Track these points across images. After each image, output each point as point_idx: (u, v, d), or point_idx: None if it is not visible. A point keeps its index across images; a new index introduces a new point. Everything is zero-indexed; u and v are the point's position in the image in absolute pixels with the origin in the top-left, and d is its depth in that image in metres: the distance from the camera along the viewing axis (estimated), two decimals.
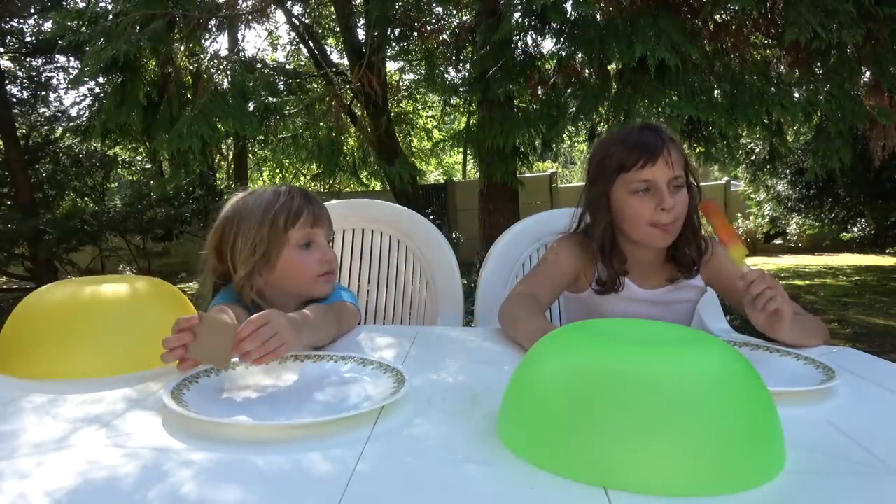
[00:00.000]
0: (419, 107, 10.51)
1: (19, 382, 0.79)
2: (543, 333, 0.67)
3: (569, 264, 1.19)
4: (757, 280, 0.93)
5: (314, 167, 8.93)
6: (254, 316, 0.80)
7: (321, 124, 5.11)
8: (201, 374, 0.75)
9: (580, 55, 3.76)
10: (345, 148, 5.87)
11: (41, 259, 7.55)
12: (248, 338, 0.77)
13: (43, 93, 8.97)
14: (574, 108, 3.60)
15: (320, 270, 1.10)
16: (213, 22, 4.59)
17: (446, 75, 5.49)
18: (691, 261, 1.16)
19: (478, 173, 4.89)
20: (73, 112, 8.98)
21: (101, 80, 5.30)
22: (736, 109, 3.29)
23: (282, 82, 6.54)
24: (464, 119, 6.37)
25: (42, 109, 9.21)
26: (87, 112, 6.92)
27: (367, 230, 1.72)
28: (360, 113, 6.37)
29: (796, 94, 3.60)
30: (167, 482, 0.50)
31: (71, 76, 8.63)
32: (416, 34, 4.89)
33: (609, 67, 3.70)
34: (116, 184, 10.25)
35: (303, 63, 9.56)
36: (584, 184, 1.24)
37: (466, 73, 4.60)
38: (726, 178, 11.32)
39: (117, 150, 9.32)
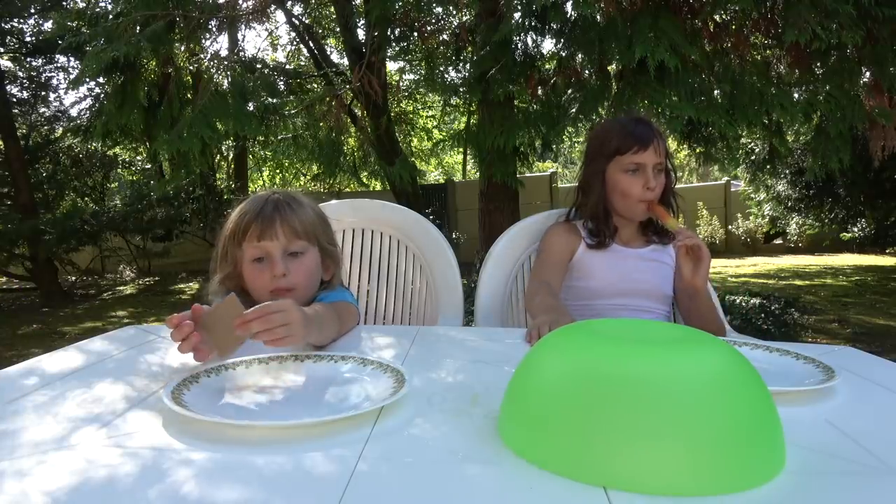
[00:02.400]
0: (419, 107, 10.52)
1: None
2: (550, 307, 0.98)
3: (562, 245, 1.42)
4: (684, 230, 1.22)
5: (314, 167, 8.94)
6: (272, 302, 0.81)
7: (321, 125, 5.12)
8: (202, 374, 0.75)
9: (580, 56, 3.76)
10: (345, 148, 5.87)
11: (41, 259, 7.55)
12: (258, 319, 0.78)
13: (43, 93, 8.97)
14: (574, 109, 3.60)
15: (272, 286, 1.08)
16: (213, 22, 4.59)
17: (446, 75, 5.49)
18: (659, 229, 1.43)
19: (478, 173, 4.89)
20: (74, 112, 8.99)
21: (101, 80, 5.30)
22: (736, 110, 3.28)
23: (282, 82, 6.55)
24: (464, 119, 6.37)
25: (42, 109, 9.22)
26: (88, 113, 6.93)
27: (367, 230, 1.72)
28: (360, 113, 6.37)
29: (796, 95, 3.59)
30: (167, 482, 0.50)
31: (71, 76, 8.63)
32: (416, 34, 4.89)
33: (609, 68, 3.69)
34: (116, 184, 10.25)
35: (303, 63, 9.56)
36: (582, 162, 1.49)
37: (466, 74, 4.60)
38: (726, 178, 11.32)
39: (117, 150, 9.33)
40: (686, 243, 1.18)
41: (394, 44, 4.88)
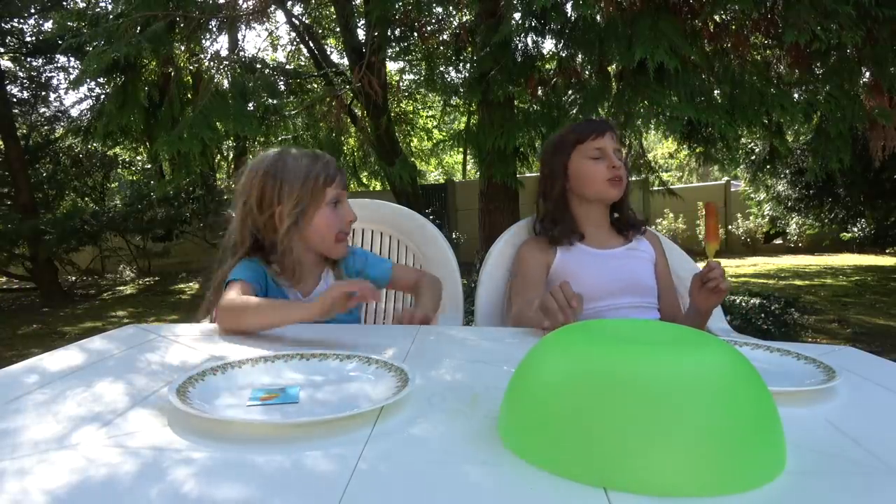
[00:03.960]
0: (419, 107, 10.52)
1: None
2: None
3: (536, 259, 1.43)
4: (717, 268, 1.21)
5: None
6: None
7: (321, 125, 5.11)
8: (207, 371, 0.75)
9: (580, 56, 3.76)
10: (345, 148, 5.87)
11: (41, 259, 7.55)
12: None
13: (43, 93, 8.97)
14: (575, 110, 3.60)
15: (343, 228, 1.26)
16: (213, 22, 4.59)
17: (446, 76, 5.49)
18: (631, 221, 1.47)
19: (478, 173, 4.89)
20: (74, 112, 8.99)
21: (101, 80, 5.30)
22: (736, 110, 3.28)
23: (282, 83, 6.54)
24: (464, 119, 6.37)
25: (42, 109, 9.22)
26: (88, 113, 6.93)
27: (367, 230, 1.72)
28: (360, 113, 6.37)
29: (796, 95, 3.59)
30: (167, 480, 0.50)
31: (71, 76, 8.64)
32: (416, 34, 4.89)
33: (609, 69, 3.69)
34: (116, 184, 10.26)
35: (303, 63, 9.57)
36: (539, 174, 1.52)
37: (466, 74, 4.59)
38: (726, 178, 11.32)
39: (117, 150, 9.33)
40: (710, 287, 1.19)
41: (394, 44, 4.88)
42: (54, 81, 8.99)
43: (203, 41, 4.88)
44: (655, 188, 5.37)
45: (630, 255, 1.44)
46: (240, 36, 6.82)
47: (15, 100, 8.39)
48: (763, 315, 3.76)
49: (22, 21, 8.28)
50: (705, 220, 1.30)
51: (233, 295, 1.10)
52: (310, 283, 1.30)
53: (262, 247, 1.25)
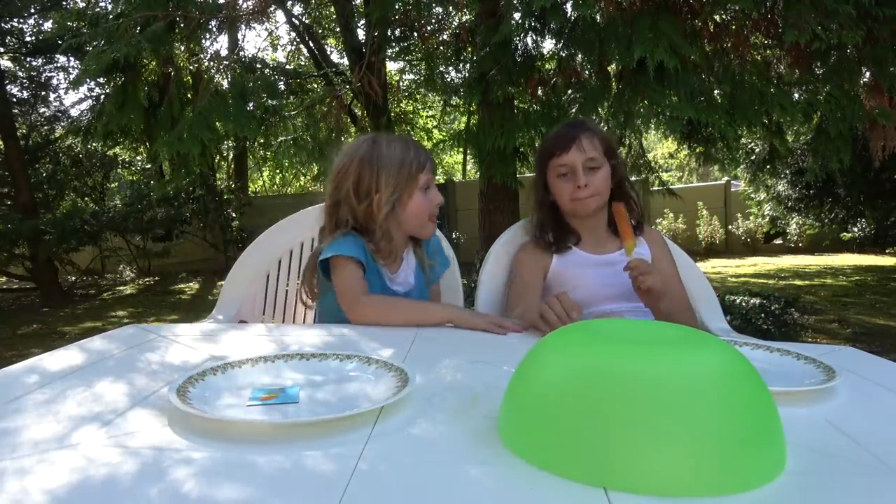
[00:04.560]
0: (419, 107, 10.52)
1: None
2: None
3: (533, 265, 1.42)
4: (637, 266, 1.23)
5: (315, 167, 8.94)
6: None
7: (321, 125, 5.11)
8: (208, 371, 0.75)
9: (580, 56, 3.75)
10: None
11: (41, 259, 7.55)
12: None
13: (43, 93, 8.97)
14: (575, 110, 3.59)
15: (433, 211, 1.34)
16: (213, 22, 4.59)
17: (446, 76, 5.49)
18: (636, 224, 1.41)
19: (478, 173, 4.89)
20: (74, 112, 8.98)
21: (101, 80, 5.30)
22: (735, 110, 3.28)
23: (282, 83, 6.54)
24: (464, 119, 6.37)
25: (42, 109, 9.22)
26: (88, 113, 6.93)
27: None
28: (360, 113, 6.37)
29: (796, 95, 3.59)
30: (168, 480, 0.50)
31: (71, 76, 8.63)
32: (416, 34, 4.88)
33: (609, 68, 3.69)
34: (116, 184, 10.26)
35: (303, 63, 9.57)
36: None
37: (466, 74, 4.59)
38: (726, 178, 11.32)
39: (117, 150, 9.33)
40: (642, 285, 1.22)
41: (394, 44, 4.87)
42: (54, 81, 8.99)
43: (203, 41, 4.88)
44: (655, 188, 5.37)
45: (624, 261, 1.42)
46: (240, 36, 6.81)
47: (15, 100, 8.39)
48: (763, 315, 3.76)
49: (22, 21, 8.28)
50: (616, 221, 1.34)
51: (355, 279, 1.23)
52: (397, 261, 1.38)
53: (357, 229, 1.32)
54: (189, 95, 4.89)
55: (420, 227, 1.35)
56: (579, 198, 1.36)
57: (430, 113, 10.96)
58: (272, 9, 5.63)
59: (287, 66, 8.78)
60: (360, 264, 1.26)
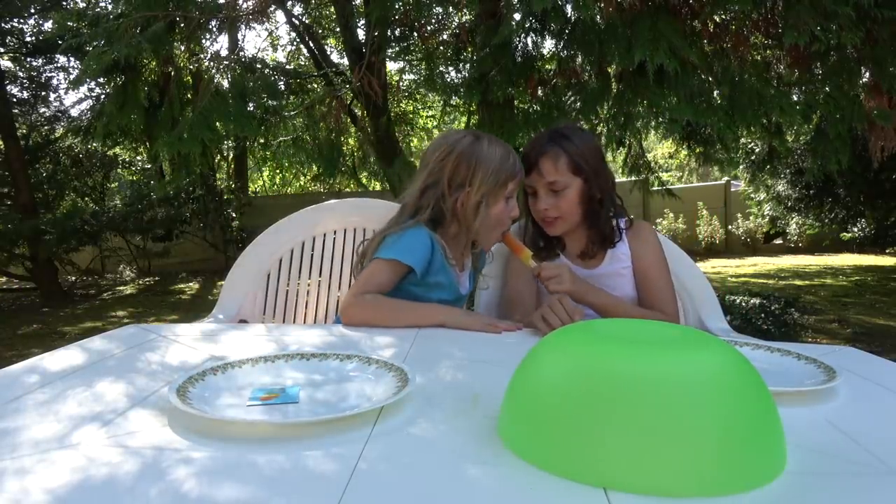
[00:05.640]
0: (419, 107, 10.51)
1: None
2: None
3: (525, 269, 1.39)
4: (544, 271, 1.23)
5: (315, 167, 8.94)
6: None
7: (321, 125, 5.11)
8: (207, 371, 0.75)
9: (580, 57, 3.75)
10: (344, 149, 5.86)
11: (41, 259, 7.55)
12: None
13: (43, 93, 8.97)
14: (575, 111, 3.60)
15: (508, 222, 1.34)
16: (213, 22, 4.59)
17: (446, 76, 5.48)
18: (604, 235, 1.40)
19: None
20: (74, 112, 8.98)
21: (101, 80, 5.30)
22: (735, 111, 3.28)
23: (282, 83, 6.54)
24: (464, 119, 6.36)
25: (42, 109, 9.21)
26: (88, 113, 6.93)
27: (368, 230, 1.72)
28: (360, 113, 6.37)
29: (795, 96, 3.59)
30: (168, 480, 0.50)
31: (71, 76, 8.63)
32: (416, 34, 4.88)
33: (609, 69, 3.69)
34: (116, 184, 10.25)
35: (303, 63, 9.57)
36: None
37: (466, 74, 4.59)
38: (726, 178, 11.32)
39: (117, 150, 9.33)
40: (550, 289, 1.21)
41: (394, 44, 4.87)
42: (54, 81, 8.98)
43: (203, 41, 4.88)
44: (655, 188, 5.37)
45: (610, 273, 1.42)
46: (240, 36, 6.80)
47: (15, 100, 8.38)
48: (763, 315, 3.76)
49: (22, 21, 8.28)
50: (509, 247, 1.36)
51: (376, 279, 1.22)
52: (461, 262, 1.39)
53: (436, 218, 1.32)
54: (189, 95, 4.89)
55: (488, 234, 1.34)
56: (543, 220, 1.38)
57: (430, 113, 10.95)
58: (272, 9, 5.62)
59: (287, 66, 8.77)
60: (407, 268, 1.25)
